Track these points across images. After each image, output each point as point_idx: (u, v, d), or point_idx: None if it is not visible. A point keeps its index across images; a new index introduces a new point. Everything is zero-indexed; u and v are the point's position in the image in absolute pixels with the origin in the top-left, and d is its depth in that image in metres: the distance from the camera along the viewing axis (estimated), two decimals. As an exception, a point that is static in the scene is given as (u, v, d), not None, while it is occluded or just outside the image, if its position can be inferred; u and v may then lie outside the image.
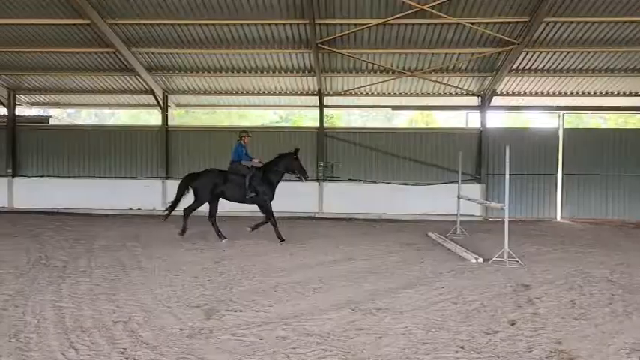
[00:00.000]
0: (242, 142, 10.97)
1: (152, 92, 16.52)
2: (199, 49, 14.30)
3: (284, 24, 12.93)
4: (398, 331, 4.77)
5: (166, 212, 10.89)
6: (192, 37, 13.71)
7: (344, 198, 16.19)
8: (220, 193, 10.65)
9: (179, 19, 12.87)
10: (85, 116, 30.42)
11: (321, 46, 13.57)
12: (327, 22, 12.73)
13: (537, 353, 4.24)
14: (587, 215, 15.97)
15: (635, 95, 16.06)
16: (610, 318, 5.26)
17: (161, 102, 16.86)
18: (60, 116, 21.98)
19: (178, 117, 24.48)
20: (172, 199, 10.90)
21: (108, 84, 16.74)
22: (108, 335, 4.56)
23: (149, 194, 16.49)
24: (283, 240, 10.16)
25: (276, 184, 10.68)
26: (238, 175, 10.59)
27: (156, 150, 16.92)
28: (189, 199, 10.88)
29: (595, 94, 16.04)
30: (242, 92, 16.83)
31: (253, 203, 10.69)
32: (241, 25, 13.02)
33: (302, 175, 10.66)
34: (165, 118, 16.97)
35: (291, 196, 16.09)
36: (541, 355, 4.19)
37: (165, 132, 16.88)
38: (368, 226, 13.55)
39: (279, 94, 16.82)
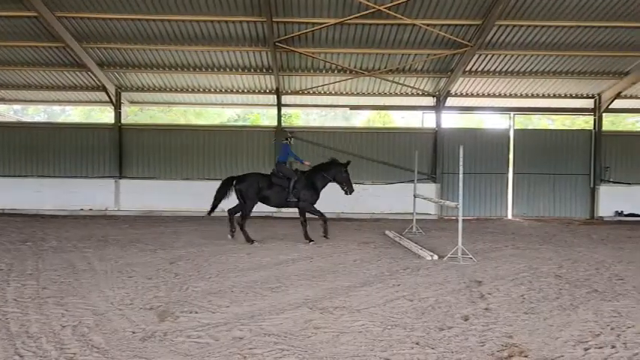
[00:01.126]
0: (289, 142, 10.91)
1: (104, 89, 16.04)
2: (154, 45, 13.99)
3: (241, 21, 12.80)
4: (355, 328, 4.81)
5: (209, 212, 10.78)
6: (147, 32, 13.39)
7: (302, 197, 16.17)
8: (263, 197, 10.45)
9: (133, 14, 12.54)
10: (33, 113, 29.23)
11: (278, 44, 13.52)
12: (284, 20, 12.69)
13: (489, 347, 4.35)
14: (536, 213, 16.59)
15: (581, 97, 16.76)
16: (558, 312, 5.46)
17: (114, 99, 16.40)
18: (6, 113, 21.03)
19: (132, 115, 23.89)
20: (212, 202, 10.66)
21: (57, 80, 16.14)
22: (56, 340, 4.39)
23: (101, 194, 16.06)
24: (312, 240, 10.08)
25: (321, 190, 10.61)
26: (282, 179, 10.43)
27: (108, 148, 16.45)
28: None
29: (544, 96, 16.66)
30: (199, 90, 16.58)
31: (294, 207, 10.60)
32: (197, 21, 12.81)
33: (348, 188, 10.59)
34: (118, 115, 16.51)
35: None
36: (492, 349, 4.30)
37: (119, 130, 16.43)
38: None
39: (237, 92, 16.65)
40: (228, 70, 15.34)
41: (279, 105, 16.49)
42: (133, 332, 4.62)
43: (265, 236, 11.12)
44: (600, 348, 4.36)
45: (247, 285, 6.51)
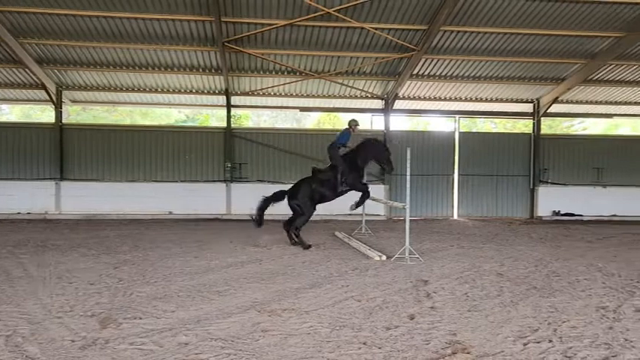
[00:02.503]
0: (351, 129, 10.73)
1: (44, 87, 15.35)
2: (97, 43, 13.52)
3: (189, 20, 12.57)
4: (303, 330, 4.80)
5: (256, 219, 10.39)
6: (90, 29, 12.92)
7: (252, 199, 15.95)
8: (319, 199, 10.27)
9: (75, 10, 12.08)
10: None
11: (227, 44, 13.37)
12: (233, 20, 12.55)
13: (434, 345, 4.45)
14: (480, 213, 17.18)
15: (521, 102, 17.49)
16: (499, 309, 5.65)
17: (54, 98, 15.72)
18: None
19: (75, 114, 23.00)
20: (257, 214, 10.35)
21: (-9, 77, 15.33)
22: (-13, 352, 4.15)
23: (41, 197, 15.36)
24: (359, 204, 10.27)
25: (364, 168, 10.55)
26: (329, 173, 10.29)
27: (49, 149, 15.75)
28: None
29: (487, 100, 17.26)
30: (145, 89, 16.14)
31: (346, 193, 10.50)
32: (143, 19, 12.48)
33: (388, 167, 10.42)
34: (59, 115, 15.83)
35: (196, 197, 15.84)
36: (437, 347, 4.40)
37: (60, 130, 15.77)
38: (276, 227, 13.51)
39: (185, 92, 16.33)
40: (175, 69, 15.03)
41: (229, 106, 16.31)
42: (72, 341, 4.44)
43: (213, 239, 10.95)
44: (538, 342, 4.54)
45: (194, 289, 6.38)
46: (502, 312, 5.52)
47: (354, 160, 10.34)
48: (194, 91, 16.30)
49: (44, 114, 24.26)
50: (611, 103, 17.61)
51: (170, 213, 15.67)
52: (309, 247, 9.77)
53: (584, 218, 16.79)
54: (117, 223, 14.10)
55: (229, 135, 16.24)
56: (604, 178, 17.58)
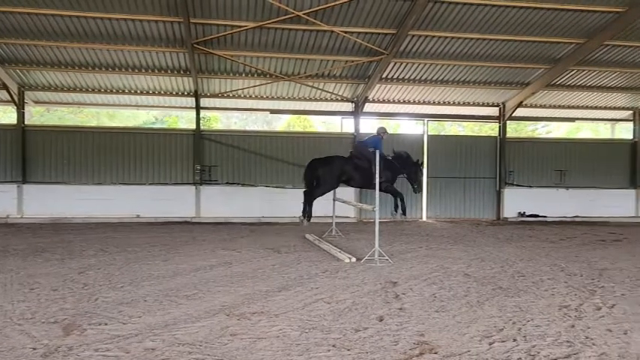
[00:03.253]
0: (381, 136, 11.09)
1: (5, 87, 14.89)
2: (62, 43, 13.19)
3: (157, 21, 12.39)
4: (272, 334, 4.79)
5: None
6: (54, 28, 12.60)
7: (222, 202, 15.98)
8: (346, 180, 10.79)
9: (37, 9, 11.75)
10: None
11: (196, 46, 13.24)
12: (202, 22, 12.44)
13: (402, 346, 4.50)
14: (448, 215, 17.46)
15: (487, 106, 17.87)
16: (466, 309, 5.75)
17: (16, 98, 15.27)
18: None
19: (39, 115, 22.39)
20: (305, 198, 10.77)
21: (-51, 76, 14.78)
22: (-57, 362, 4.00)
23: (2, 200, 14.92)
24: (404, 214, 11.03)
25: (393, 179, 11.26)
26: (366, 163, 10.61)
27: (10, 151, 15.29)
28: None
29: (454, 104, 17.57)
30: (112, 91, 15.84)
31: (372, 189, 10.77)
32: (110, 19, 12.24)
33: (419, 187, 11.41)
34: (21, 116, 15.39)
35: (165, 200, 15.62)
36: (405, 348, 4.45)
37: (22, 131, 15.32)
38: (247, 230, 13.46)
39: (153, 94, 16.09)
40: (143, 70, 14.79)
41: (198, 108, 16.15)
42: (34, 349, 4.31)
43: (181, 242, 10.82)
44: (503, 342, 4.64)
45: (162, 293, 6.29)
46: (469, 312, 5.62)
47: (392, 168, 11.05)
48: (162, 92, 16.08)
49: (5, 115, 23.52)
50: (573, 107, 18.17)
51: (138, 216, 15.40)
52: (303, 220, 10.45)
53: (548, 219, 17.25)
54: (83, 226, 13.78)
55: (199, 137, 16.08)
56: (567, 180, 18.11)
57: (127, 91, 15.88)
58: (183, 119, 26.69)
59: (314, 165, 11.17)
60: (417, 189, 11.39)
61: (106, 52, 13.80)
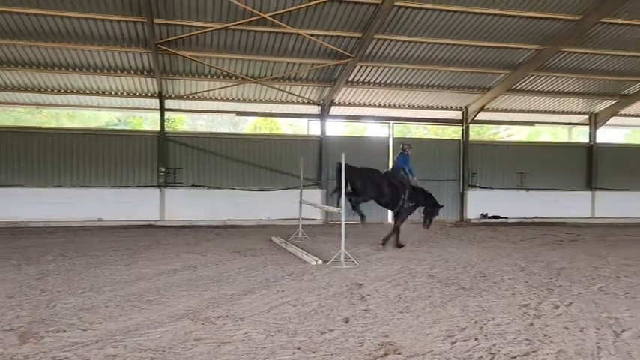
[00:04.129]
0: (406, 153, 11.18)
1: (-42, 86, 14.33)
2: (18, 41, 12.75)
3: (119, 20, 12.14)
4: (237, 337, 4.76)
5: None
6: (10, 26, 12.17)
7: (187, 205, 15.77)
8: (378, 195, 10.54)
9: (-8, 6, 11.35)
10: None
11: (160, 47, 13.03)
12: (166, 22, 12.25)
13: (367, 347, 4.54)
14: (413, 216, 17.58)
15: (451, 109, 18.22)
16: (429, 309, 5.85)
17: (-30, 98, 14.70)
18: None
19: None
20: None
21: None
22: None
23: (-46, 204, 14.28)
24: (403, 245, 10.77)
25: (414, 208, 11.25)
26: (399, 184, 10.64)
27: (-37, 153, 14.69)
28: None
29: (419, 107, 17.84)
30: (72, 91, 15.43)
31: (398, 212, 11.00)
32: (70, 18, 11.90)
33: (430, 223, 11.49)
34: (-25, 116, 14.82)
35: (128, 203, 15.30)
36: (370, 349, 4.49)
37: (-24, 133, 14.76)
38: (212, 233, 13.32)
39: (116, 94, 15.75)
40: (105, 71, 14.46)
41: (162, 109, 15.90)
42: (-12, 358, 4.17)
43: (145, 246, 10.62)
44: (465, 341, 4.74)
45: (124, 298, 6.16)
46: (432, 312, 5.71)
47: (417, 199, 11.17)
48: (125, 93, 15.75)
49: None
50: (532, 111, 18.72)
51: (100, 220, 15.04)
52: (361, 218, 10.32)
53: (510, 220, 17.69)
54: (41, 230, 13.36)
55: (163, 139, 15.83)
56: (527, 183, 18.62)
57: (88, 91, 15.50)
58: (148, 121, 26.17)
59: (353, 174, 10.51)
60: (428, 225, 11.62)
61: (67, 52, 13.42)
